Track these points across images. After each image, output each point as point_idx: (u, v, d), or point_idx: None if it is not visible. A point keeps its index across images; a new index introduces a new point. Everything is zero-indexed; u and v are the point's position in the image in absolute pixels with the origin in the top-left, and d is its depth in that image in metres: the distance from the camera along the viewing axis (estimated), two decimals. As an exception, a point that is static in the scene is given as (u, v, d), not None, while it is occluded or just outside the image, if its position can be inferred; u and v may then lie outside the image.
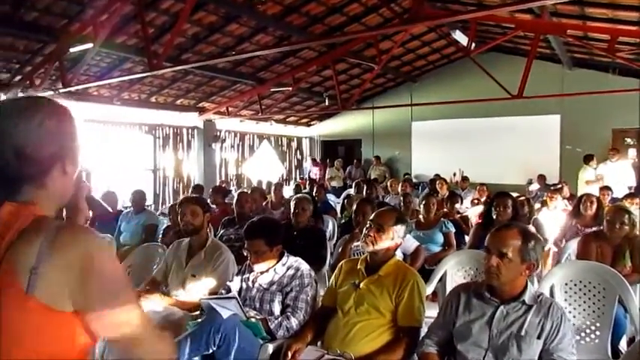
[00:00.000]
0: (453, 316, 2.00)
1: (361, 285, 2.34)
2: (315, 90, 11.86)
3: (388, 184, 9.24)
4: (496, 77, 7.90)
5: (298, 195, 4.68)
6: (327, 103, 11.69)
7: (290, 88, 10.38)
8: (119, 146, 10.31)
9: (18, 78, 7.88)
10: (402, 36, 8.88)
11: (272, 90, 10.74)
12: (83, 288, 0.89)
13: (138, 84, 9.41)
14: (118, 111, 9.99)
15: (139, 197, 5.41)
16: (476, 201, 7.72)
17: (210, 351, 2.19)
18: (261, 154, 13.68)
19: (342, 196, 8.28)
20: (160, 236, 5.01)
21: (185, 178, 11.36)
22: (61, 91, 7.22)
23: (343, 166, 13.07)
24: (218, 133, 11.76)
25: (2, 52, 7.31)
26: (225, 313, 2.20)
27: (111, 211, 5.68)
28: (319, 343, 2.37)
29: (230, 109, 11.58)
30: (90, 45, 6.32)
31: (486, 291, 1.95)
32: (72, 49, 6.67)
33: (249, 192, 5.07)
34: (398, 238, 2.40)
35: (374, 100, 13.33)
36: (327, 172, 13.13)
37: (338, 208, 7.29)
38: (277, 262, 2.67)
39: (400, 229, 2.40)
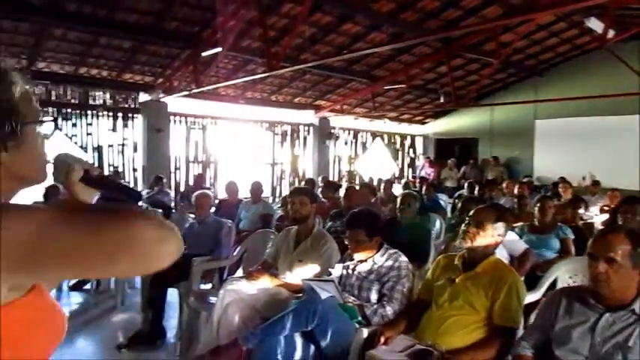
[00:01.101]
0: (552, 319, 1.93)
1: (457, 280, 2.34)
2: (430, 87, 11.65)
3: (504, 185, 8.78)
4: (637, 69, 7.10)
5: (404, 191, 4.72)
6: (442, 100, 11.42)
7: (404, 86, 10.35)
8: (243, 141, 11.15)
9: (160, 80, 8.93)
10: (527, 27, 8.37)
11: (386, 88, 10.80)
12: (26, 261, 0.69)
13: (260, 84, 10.09)
14: (243, 109, 10.83)
15: (256, 188, 5.86)
16: (606, 208, 7.03)
17: (309, 328, 2.36)
18: (374, 151, 13.79)
19: (454, 197, 8.07)
20: (275, 224, 5.39)
21: (300, 172, 11.89)
22: (194, 91, 8.05)
23: (457, 165, 12.64)
24: (332, 131, 12.12)
25: (148, 57, 8.36)
26: (323, 295, 2.37)
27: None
28: (412, 335, 2.42)
29: (344, 106, 11.88)
30: (219, 49, 6.95)
31: (591, 297, 1.85)
32: (204, 54, 7.40)
33: (358, 188, 5.22)
34: (497, 236, 2.36)
35: (493, 96, 12.70)
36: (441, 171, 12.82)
37: (449, 209, 7.14)
38: (376, 252, 2.77)
39: (500, 227, 2.35)
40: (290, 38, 6.88)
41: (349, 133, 13.04)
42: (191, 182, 9.44)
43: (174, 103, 9.45)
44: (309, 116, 11.88)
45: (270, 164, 11.50)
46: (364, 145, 13.51)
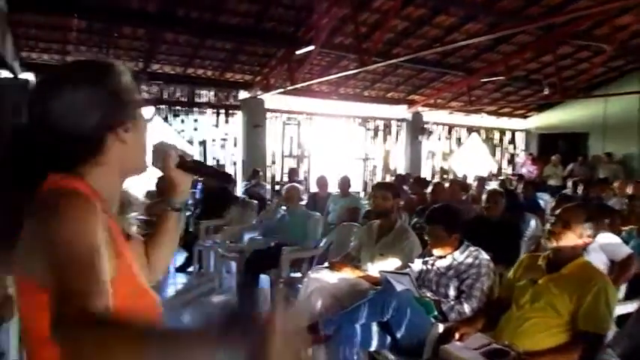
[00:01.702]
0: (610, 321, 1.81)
1: (539, 281, 2.26)
2: (533, 78, 10.95)
3: (616, 185, 8.03)
4: None
5: (491, 188, 4.56)
6: (546, 92, 10.66)
7: (503, 77, 9.86)
8: (335, 137, 11.37)
9: (258, 78, 9.41)
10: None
11: (483, 80, 10.38)
12: (44, 251, 0.77)
13: (352, 80, 10.21)
14: (336, 105, 11.03)
15: (344, 182, 5.99)
16: None
17: (385, 319, 2.43)
18: (470, 147, 13.30)
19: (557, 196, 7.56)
20: (362, 218, 5.48)
21: (392, 168, 11.85)
22: (289, 88, 8.38)
23: (563, 162, 11.68)
24: (425, 126, 11.91)
25: (247, 57, 8.86)
26: (398, 287, 2.43)
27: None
28: (490, 334, 2.38)
29: (438, 101, 11.61)
30: (312, 47, 7.18)
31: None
32: (298, 52, 7.68)
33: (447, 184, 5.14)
34: (586, 237, 2.24)
35: (607, 86, 11.59)
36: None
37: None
38: (456, 249, 2.75)
39: (590, 227, 2.23)
40: (381, 33, 6.92)
41: (443, 128, 12.71)
42: (285, 176, 9.85)
43: (271, 100, 9.90)
44: (402, 111, 11.78)
45: (362, 159, 11.61)
46: (459, 140, 13.09)
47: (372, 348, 2.55)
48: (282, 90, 8.72)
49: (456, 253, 2.74)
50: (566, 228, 2.22)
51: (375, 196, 3.44)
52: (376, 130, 11.72)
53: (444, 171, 11.59)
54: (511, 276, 2.50)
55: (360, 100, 11.13)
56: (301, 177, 10.00)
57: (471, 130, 13.25)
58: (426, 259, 2.89)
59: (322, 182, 6.55)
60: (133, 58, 8.43)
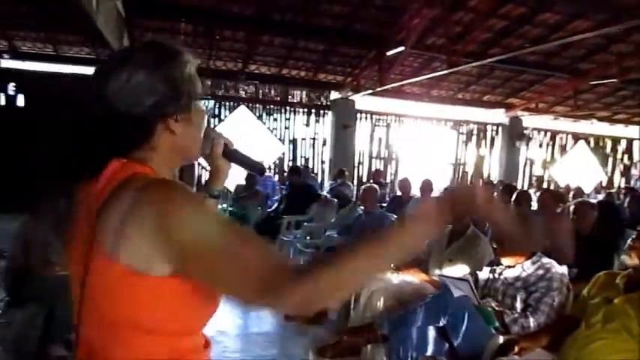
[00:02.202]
0: None
1: (615, 300, 2.07)
2: (653, 81, 9.83)
3: None
4: None
5: (578, 199, 4.21)
6: (669, 98, 9.56)
7: (615, 80, 8.98)
8: (425, 140, 11.14)
9: (349, 79, 9.53)
10: None
11: (592, 83, 9.53)
12: (173, 249, 0.77)
13: (445, 81, 9.94)
14: (427, 107, 10.82)
15: (425, 186, 5.87)
16: None
17: (441, 324, 2.37)
18: (575, 156, 12.29)
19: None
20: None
21: (485, 174, 11.33)
22: (379, 89, 8.38)
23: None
24: (525, 131, 11.23)
25: (339, 58, 9.01)
26: (456, 293, 2.35)
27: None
28: (556, 354, 2.22)
29: (540, 105, 10.90)
30: (402, 48, 7.11)
31: None
32: (388, 53, 7.66)
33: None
34: (673, 256, 2.01)
35: None
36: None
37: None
38: (527, 259, 2.60)
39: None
40: (477, 33, 6.66)
41: (545, 135, 11.87)
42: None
43: (362, 101, 9.97)
44: (499, 115, 11.21)
45: (452, 164, 11.24)
46: (563, 148, 12.14)
47: (429, 353, 2.50)
48: (371, 91, 8.75)
49: (527, 264, 2.59)
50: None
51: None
52: (469, 134, 11.27)
53: (540, 180, 10.83)
54: (585, 293, 2.31)
55: (452, 103, 10.80)
56: (388, 179, 9.93)
57: (577, 137, 12.23)
58: (494, 267, 2.76)
59: (405, 185, 6.47)
60: (233, 58, 8.97)
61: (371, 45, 8.09)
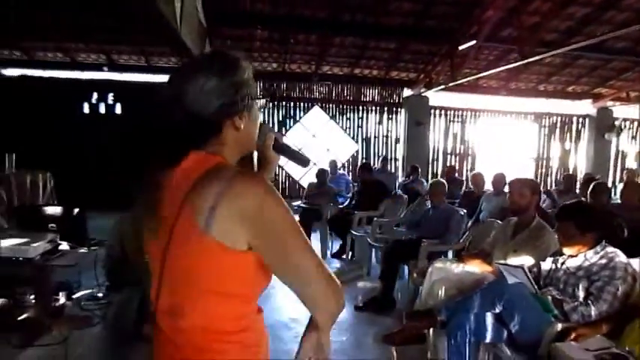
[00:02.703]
0: None
1: (679, 289, 2.03)
2: None
3: None
4: None
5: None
6: None
7: None
8: (505, 134, 10.78)
9: (421, 76, 9.49)
10: None
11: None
12: (254, 232, 0.95)
13: (524, 73, 9.56)
14: (506, 101, 10.47)
15: (498, 180, 5.76)
16: None
17: (497, 310, 2.42)
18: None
19: None
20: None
21: (571, 168, 10.73)
22: (451, 84, 8.28)
23: None
24: (615, 122, 10.48)
25: (411, 55, 9.01)
26: (510, 280, 2.39)
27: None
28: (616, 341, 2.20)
29: (632, 94, 10.13)
30: (473, 42, 7.00)
31: None
32: (460, 47, 7.56)
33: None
34: None
35: None
36: None
37: None
38: (590, 248, 2.57)
39: None
40: (557, 22, 6.37)
41: (639, 125, 11.00)
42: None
43: (436, 97, 9.88)
44: (585, 106, 10.57)
45: (534, 159, 10.77)
46: (662, 139, 11.18)
47: (487, 340, 2.55)
48: (443, 87, 8.66)
49: (589, 253, 2.55)
50: None
51: (510, 192, 3.35)
52: (552, 127, 10.73)
53: (631, 172, 10.03)
54: (649, 282, 2.26)
55: (534, 95, 10.35)
56: (464, 175, 9.74)
57: (679, 127, 11.20)
58: (557, 257, 2.74)
59: (477, 180, 6.38)
60: (306, 61, 9.30)
61: (442, 40, 8.00)
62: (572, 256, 2.63)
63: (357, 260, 6.16)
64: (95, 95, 8.92)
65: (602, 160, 10.60)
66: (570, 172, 9.69)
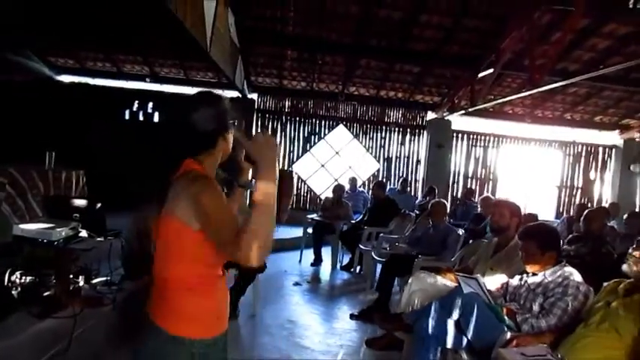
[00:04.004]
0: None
1: (613, 304, 2.23)
2: None
3: None
4: None
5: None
6: None
7: None
8: (528, 160, 10.80)
9: (445, 100, 9.71)
10: None
11: None
12: (196, 213, 1.40)
13: (550, 102, 9.64)
14: (532, 128, 10.52)
15: (484, 203, 5.94)
16: None
17: (455, 317, 2.67)
18: None
19: None
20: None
21: (595, 198, 10.63)
22: (471, 109, 8.48)
23: None
24: (641, 154, 10.36)
25: (435, 79, 9.27)
26: (466, 289, 2.63)
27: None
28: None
29: (662, 127, 10.02)
30: (491, 70, 7.22)
31: None
32: (480, 74, 7.78)
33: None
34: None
35: None
36: None
37: None
38: (551, 267, 2.77)
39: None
40: (581, 52, 6.48)
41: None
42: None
43: (459, 121, 10.05)
44: (613, 137, 10.50)
45: (557, 187, 10.73)
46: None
47: (449, 345, 2.79)
48: (463, 112, 8.85)
49: (548, 272, 2.76)
50: (644, 255, 2.16)
51: (492, 213, 3.57)
52: (578, 156, 10.68)
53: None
54: (595, 299, 2.46)
55: (559, 124, 10.36)
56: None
57: None
58: (523, 275, 2.96)
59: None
60: (333, 81, 9.70)
61: (464, 66, 8.25)
62: (534, 274, 2.84)
63: (363, 273, 6.42)
64: (136, 104, 9.59)
65: (628, 190, 10.45)
66: (584, 202, 9.60)
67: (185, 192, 1.42)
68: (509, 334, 2.55)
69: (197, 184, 1.42)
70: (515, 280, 3.02)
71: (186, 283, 1.49)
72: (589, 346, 2.18)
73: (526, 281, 2.89)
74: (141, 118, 9.52)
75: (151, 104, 9.62)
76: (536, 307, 2.71)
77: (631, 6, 4.66)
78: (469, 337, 2.66)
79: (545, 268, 2.78)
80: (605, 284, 2.47)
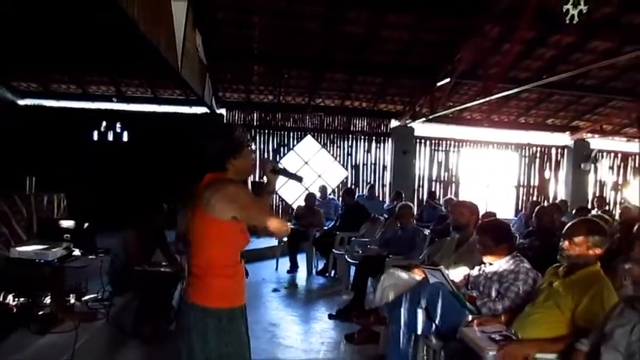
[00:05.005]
0: (607, 320, 2.11)
1: (554, 284, 2.60)
2: None
3: None
4: None
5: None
6: None
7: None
8: (486, 163, 11.41)
9: (407, 108, 10.20)
10: None
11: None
12: (229, 204, 1.89)
13: (505, 107, 10.28)
14: (489, 132, 11.14)
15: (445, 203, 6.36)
16: None
17: (423, 305, 3.00)
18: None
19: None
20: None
21: (550, 196, 11.30)
22: (431, 117, 8.97)
23: None
24: (592, 154, 11.11)
25: (396, 89, 9.75)
26: (432, 279, 2.97)
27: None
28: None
29: (608, 127, 10.80)
30: (449, 79, 7.72)
31: (637, 301, 1.99)
32: (438, 84, 8.28)
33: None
34: (594, 248, 2.51)
35: None
36: None
37: None
38: (505, 257, 3.14)
39: (595, 239, 2.50)
40: (529, 62, 7.01)
41: (616, 157, 11.61)
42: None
43: (421, 127, 10.56)
44: (564, 138, 11.23)
45: (515, 187, 11.37)
46: (638, 169, 11.75)
47: (419, 332, 3.12)
48: (425, 119, 9.34)
49: (503, 261, 3.13)
50: (570, 242, 2.54)
51: (452, 212, 3.95)
52: (533, 157, 11.37)
53: (601, 200, 10.57)
54: (541, 282, 2.84)
55: (515, 128, 11.02)
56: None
57: (654, 159, 11.79)
58: (481, 265, 3.32)
59: (450, 204, 6.97)
60: (300, 93, 10.05)
61: (423, 76, 8.73)
62: (490, 264, 3.21)
63: (338, 276, 6.71)
64: (104, 124, 9.64)
65: (580, 188, 11.18)
66: (537, 200, 10.25)
67: (215, 191, 1.89)
68: (470, 317, 2.89)
69: (224, 183, 1.93)
70: (475, 271, 3.37)
71: (213, 268, 1.94)
72: (536, 321, 2.53)
73: (484, 271, 3.24)
74: (110, 138, 9.59)
75: (119, 124, 9.70)
76: (493, 293, 3.06)
77: (567, 21, 5.15)
78: (436, 323, 2.99)
79: (500, 259, 3.15)
80: (549, 268, 2.85)
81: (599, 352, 2.09)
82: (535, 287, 2.97)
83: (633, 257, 1.95)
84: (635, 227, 3.75)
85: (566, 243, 2.57)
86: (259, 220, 1.99)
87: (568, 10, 5.04)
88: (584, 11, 4.81)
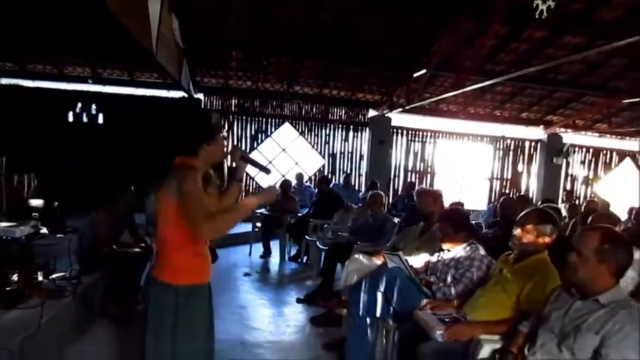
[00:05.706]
0: (546, 303, 2.24)
1: (504, 270, 2.74)
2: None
3: None
4: None
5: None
6: None
7: (650, 98, 9.06)
8: (462, 155, 11.62)
9: (384, 98, 10.29)
10: None
11: (627, 102, 9.64)
12: (177, 193, 1.95)
13: (481, 100, 10.44)
14: (465, 124, 11.32)
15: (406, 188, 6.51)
16: None
17: (381, 289, 3.11)
18: (621, 173, 12.19)
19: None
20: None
21: (522, 189, 11.57)
22: (408, 107, 9.08)
23: None
24: (564, 148, 11.39)
25: (375, 79, 9.82)
26: (390, 264, 3.09)
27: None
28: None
29: (580, 122, 11.06)
30: (424, 71, 7.83)
31: (573, 287, 2.13)
32: (415, 75, 8.38)
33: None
34: (544, 236, 2.64)
35: None
36: None
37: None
38: (462, 244, 3.27)
39: (544, 228, 2.63)
40: (503, 55, 7.13)
41: (587, 152, 11.92)
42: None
43: (398, 118, 10.68)
44: (538, 132, 11.48)
45: (488, 179, 11.61)
46: (607, 164, 12.10)
47: (377, 315, 3.23)
48: (402, 109, 9.44)
49: (460, 248, 3.26)
50: (523, 230, 2.67)
51: (417, 200, 4.07)
52: (507, 150, 11.60)
53: (569, 194, 10.90)
54: (493, 268, 2.97)
55: (490, 120, 11.21)
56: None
57: (623, 154, 12.14)
58: (440, 252, 3.45)
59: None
60: (279, 80, 10.04)
61: (400, 68, 8.81)
62: (448, 251, 3.34)
63: (310, 262, 6.83)
64: (79, 105, 9.51)
65: (552, 182, 11.47)
66: (506, 192, 10.50)
67: (174, 181, 1.97)
68: (424, 301, 3.02)
69: (186, 177, 1.97)
70: (434, 257, 3.50)
71: (173, 244, 2.05)
72: (484, 304, 2.67)
73: (442, 257, 3.38)
74: (85, 119, 9.48)
75: (94, 106, 9.59)
76: (449, 278, 3.19)
77: (537, 16, 5.26)
78: (394, 306, 3.11)
79: (458, 245, 3.28)
80: (501, 256, 2.98)
81: (537, 334, 2.22)
82: (488, 273, 3.11)
83: (573, 244, 2.07)
84: (589, 219, 3.94)
85: (518, 230, 2.70)
86: (193, 224, 1.96)
87: (537, 4, 5.15)
88: (552, 7, 4.92)
